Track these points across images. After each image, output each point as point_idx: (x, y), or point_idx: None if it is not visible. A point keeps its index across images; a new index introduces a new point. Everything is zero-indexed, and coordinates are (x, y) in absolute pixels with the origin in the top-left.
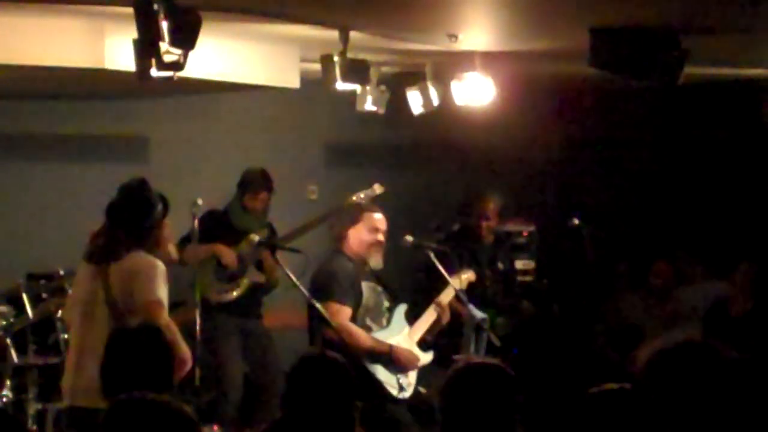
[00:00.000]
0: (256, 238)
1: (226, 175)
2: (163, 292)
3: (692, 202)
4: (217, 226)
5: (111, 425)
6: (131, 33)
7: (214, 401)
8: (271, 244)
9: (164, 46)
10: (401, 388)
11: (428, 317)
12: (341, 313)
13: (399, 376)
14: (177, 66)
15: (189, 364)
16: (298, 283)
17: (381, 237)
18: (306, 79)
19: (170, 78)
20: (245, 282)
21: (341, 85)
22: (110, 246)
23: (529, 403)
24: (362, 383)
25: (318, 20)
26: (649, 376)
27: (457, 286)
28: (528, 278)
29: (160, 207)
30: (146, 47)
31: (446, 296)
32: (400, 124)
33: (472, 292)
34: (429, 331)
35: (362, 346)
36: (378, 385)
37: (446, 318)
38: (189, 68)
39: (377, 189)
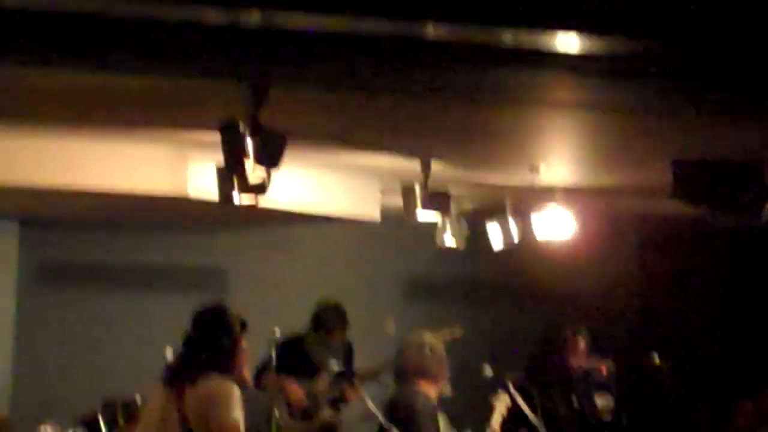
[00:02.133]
0: (335, 367)
1: (305, 308)
2: (239, 416)
3: None
4: (294, 357)
5: None
6: (214, 160)
7: None
8: (351, 373)
9: (249, 166)
10: None
11: None
12: None
13: None
14: (261, 188)
15: None
16: (379, 414)
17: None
18: (386, 213)
19: (253, 205)
20: (317, 422)
21: (422, 214)
22: (186, 369)
23: None
24: None
25: (401, 149)
26: None
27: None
28: (607, 417)
29: (238, 329)
30: (231, 166)
31: (496, 422)
32: (479, 259)
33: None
34: None
35: None
36: None
37: None
38: (270, 198)
39: (456, 332)
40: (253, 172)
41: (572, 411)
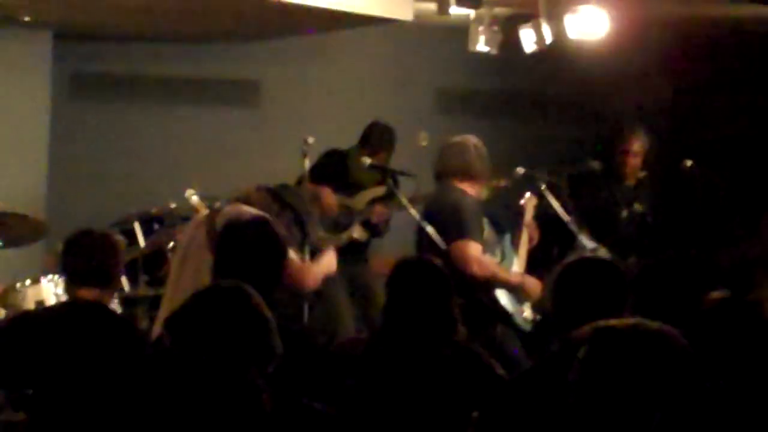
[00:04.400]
0: (368, 161)
1: (337, 118)
2: None
3: None
4: (335, 169)
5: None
6: None
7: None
8: (383, 167)
9: None
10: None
11: (525, 243)
12: (478, 249)
13: (523, 307)
14: None
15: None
16: (415, 213)
17: None
18: (419, 24)
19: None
20: (345, 237)
21: (455, 10)
22: None
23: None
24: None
25: None
26: None
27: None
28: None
29: None
30: None
31: (529, 214)
32: (511, 70)
33: (604, 232)
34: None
35: (500, 278)
36: (506, 313)
37: (536, 236)
38: None
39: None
40: None
41: (632, 214)
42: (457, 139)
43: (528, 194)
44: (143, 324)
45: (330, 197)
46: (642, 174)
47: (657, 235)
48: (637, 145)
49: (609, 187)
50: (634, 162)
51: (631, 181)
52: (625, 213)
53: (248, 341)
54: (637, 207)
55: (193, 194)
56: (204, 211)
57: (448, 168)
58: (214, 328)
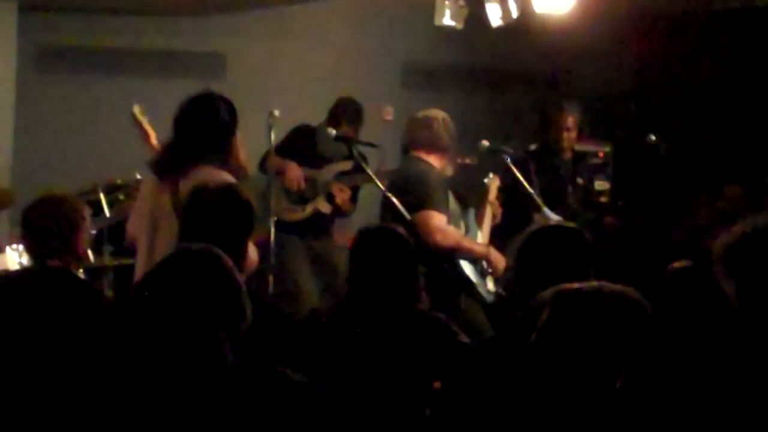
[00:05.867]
0: (333, 132)
1: (302, 92)
2: None
3: None
4: (303, 144)
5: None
6: None
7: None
8: (348, 139)
9: None
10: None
11: (488, 219)
12: (441, 220)
13: (486, 279)
14: None
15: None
16: (381, 184)
17: None
18: None
19: None
20: (309, 208)
21: None
22: (178, 159)
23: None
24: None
25: None
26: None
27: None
28: (603, 199)
29: (232, 116)
30: None
31: (493, 193)
32: (477, 45)
33: (553, 206)
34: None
35: (464, 248)
36: (470, 283)
37: (499, 214)
38: None
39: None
40: None
41: (575, 188)
42: (425, 112)
43: (491, 174)
44: (108, 295)
45: (294, 170)
46: (605, 148)
47: (600, 210)
48: (572, 120)
49: (552, 163)
50: (570, 136)
51: (568, 155)
52: (570, 188)
53: (218, 304)
54: (580, 181)
55: (140, 110)
56: (147, 127)
57: (415, 141)
58: (184, 291)
